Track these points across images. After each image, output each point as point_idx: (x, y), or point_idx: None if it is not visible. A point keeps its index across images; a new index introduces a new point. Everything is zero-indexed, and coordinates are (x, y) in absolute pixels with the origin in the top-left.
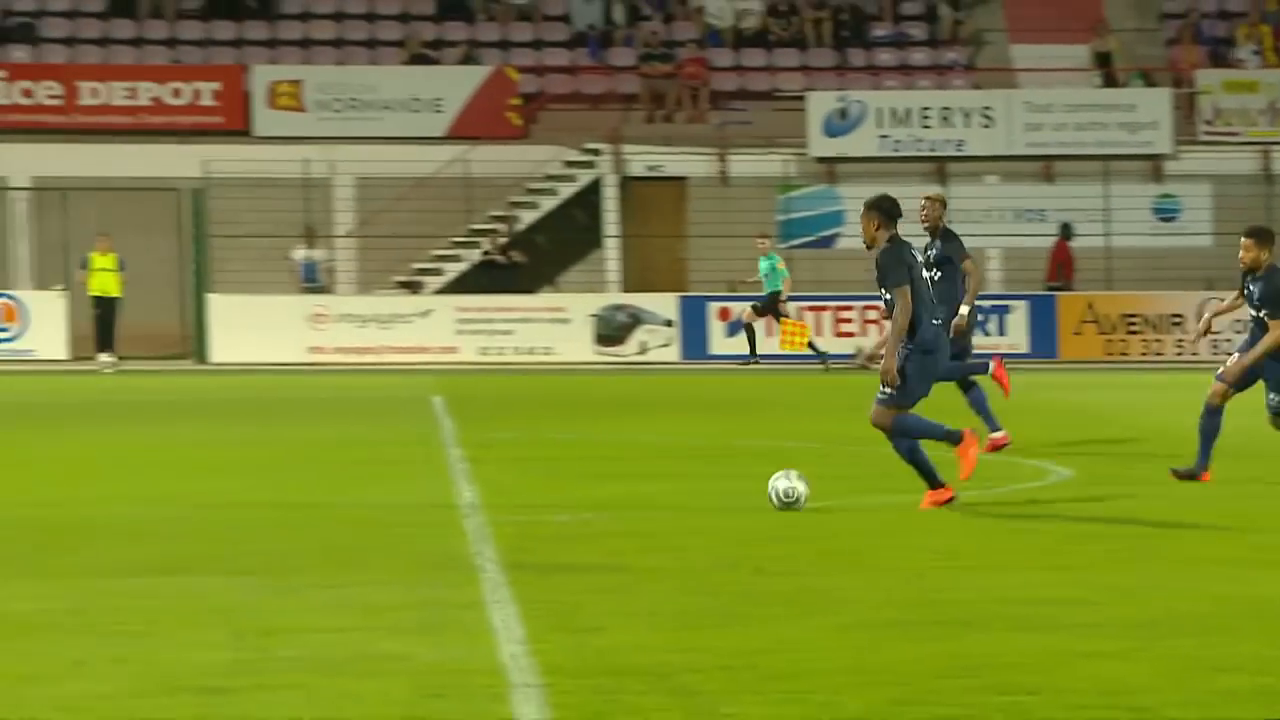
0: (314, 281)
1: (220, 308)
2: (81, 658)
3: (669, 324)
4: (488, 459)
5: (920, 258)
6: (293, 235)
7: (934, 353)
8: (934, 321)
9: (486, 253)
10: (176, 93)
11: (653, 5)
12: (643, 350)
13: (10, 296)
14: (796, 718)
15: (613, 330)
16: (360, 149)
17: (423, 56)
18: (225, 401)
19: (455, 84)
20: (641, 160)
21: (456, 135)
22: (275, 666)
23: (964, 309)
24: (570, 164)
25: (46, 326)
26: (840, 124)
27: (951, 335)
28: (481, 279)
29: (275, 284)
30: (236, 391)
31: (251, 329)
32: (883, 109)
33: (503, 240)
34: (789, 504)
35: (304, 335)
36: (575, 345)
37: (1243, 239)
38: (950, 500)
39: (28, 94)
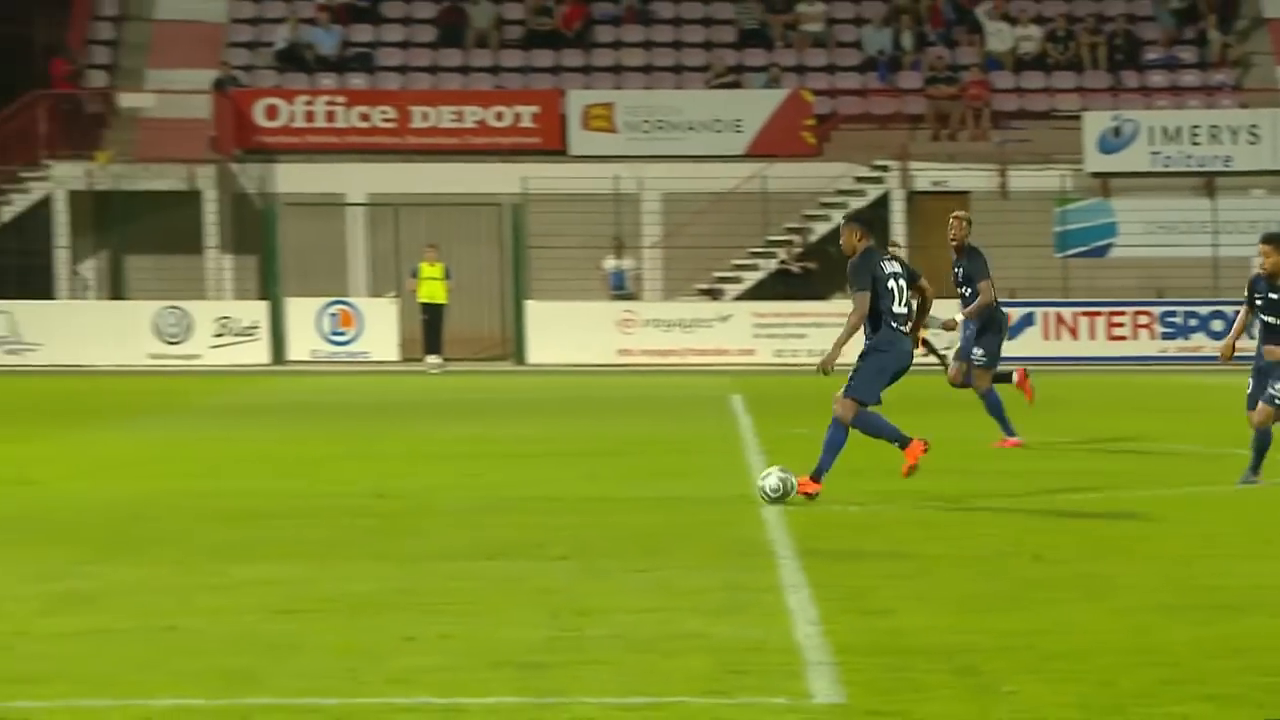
0: (622, 289)
1: (537, 313)
2: (412, 634)
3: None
4: (783, 453)
5: (951, 273)
6: (603, 246)
7: (888, 352)
8: (893, 325)
9: (782, 262)
10: (499, 116)
11: (938, 32)
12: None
13: (348, 303)
14: (1073, 695)
15: None
16: (666, 166)
17: (725, 81)
18: (541, 400)
19: (754, 106)
20: (927, 175)
21: (755, 153)
22: (588, 644)
23: (958, 316)
24: (860, 179)
25: (380, 331)
26: (1114, 141)
27: (944, 328)
28: (777, 286)
29: (587, 291)
30: (551, 390)
31: (565, 333)
32: (1154, 127)
33: (797, 250)
34: (777, 499)
35: (613, 338)
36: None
37: (1261, 245)
38: (925, 450)
39: (365, 118)
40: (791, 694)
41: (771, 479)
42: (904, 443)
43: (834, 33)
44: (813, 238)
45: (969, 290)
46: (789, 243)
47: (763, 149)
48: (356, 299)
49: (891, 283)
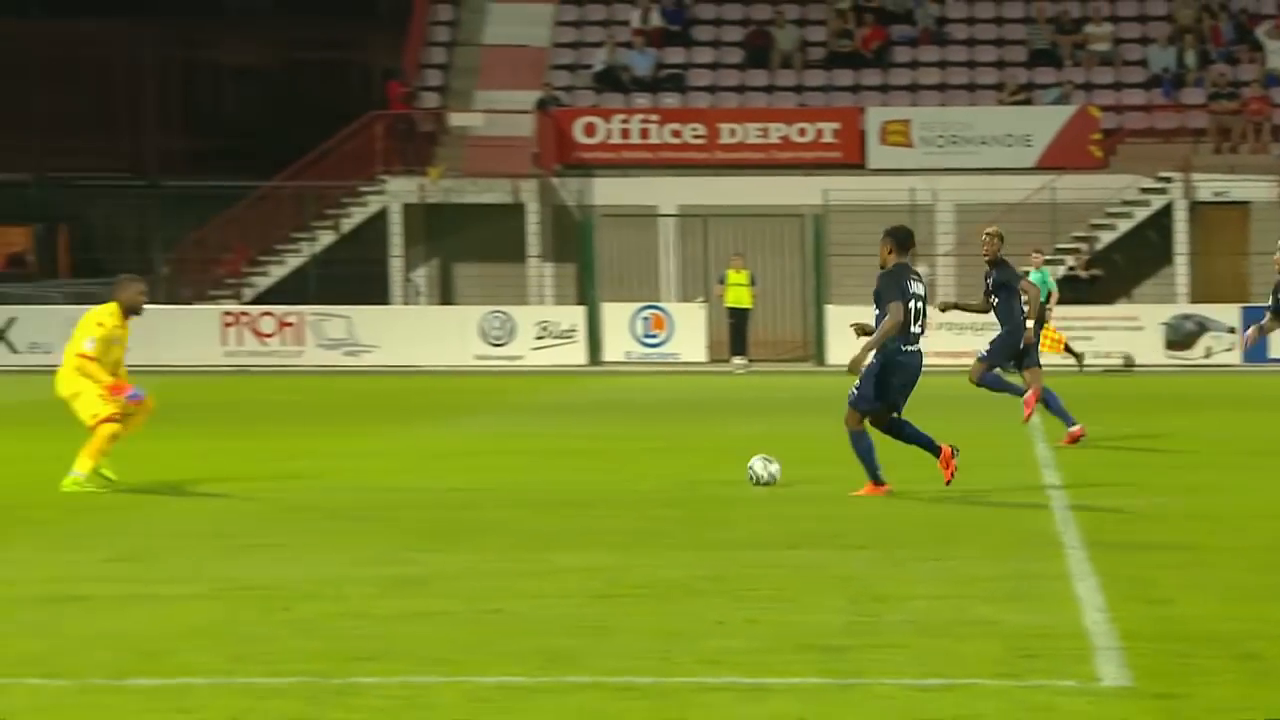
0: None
1: (837, 317)
2: (721, 618)
3: (1231, 330)
4: (1071, 449)
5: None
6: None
7: (901, 367)
8: (905, 347)
9: (1071, 269)
10: (802, 132)
11: (1220, 50)
12: (1208, 354)
13: (659, 308)
14: None
15: (1181, 336)
16: (959, 179)
17: (1017, 98)
18: (840, 398)
19: (1044, 121)
20: (1209, 187)
21: (1044, 166)
22: (885, 629)
23: (1029, 324)
24: (1145, 191)
25: (689, 333)
26: None
27: (1023, 345)
28: (1065, 292)
29: None
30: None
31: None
32: None
33: (1084, 258)
34: (766, 483)
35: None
36: (1148, 350)
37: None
38: (885, 492)
39: (676, 135)
40: (1080, 677)
41: (757, 465)
42: (876, 480)
43: (1120, 51)
44: (1099, 246)
45: (996, 300)
46: (1077, 251)
47: (1051, 162)
48: (667, 304)
49: (913, 302)
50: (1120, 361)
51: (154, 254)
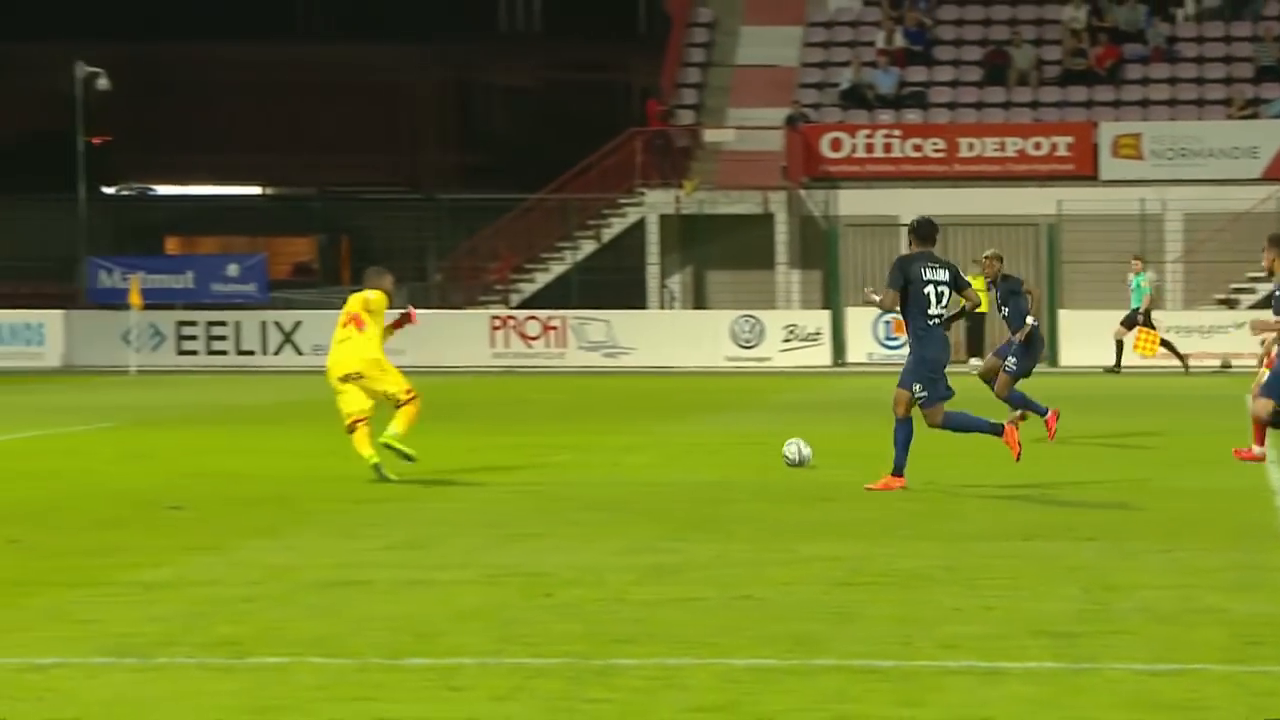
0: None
1: (1069, 322)
2: (958, 605)
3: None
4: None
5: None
6: (1127, 262)
7: (931, 349)
8: (931, 324)
9: None
10: (1037, 146)
11: None
12: None
13: (895, 313)
14: None
15: None
16: (1187, 190)
17: (1244, 112)
18: (1071, 396)
19: (1271, 134)
20: None
21: (1270, 177)
22: (1115, 616)
23: (1030, 320)
24: None
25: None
26: None
27: (1020, 341)
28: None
29: (1115, 302)
30: (1080, 389)
31: (1095, 338)
32: None
33: None
34: (798, 465)
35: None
36: None
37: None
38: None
39: (918, 149)
40: None
41: (790, 448)
42: (899, 472)
43: None
44: None
45: (1007, 310)
46: None
47: (1277, 173)
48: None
49: (929, 288)
50: (1218, 364)
51: (428, 262)
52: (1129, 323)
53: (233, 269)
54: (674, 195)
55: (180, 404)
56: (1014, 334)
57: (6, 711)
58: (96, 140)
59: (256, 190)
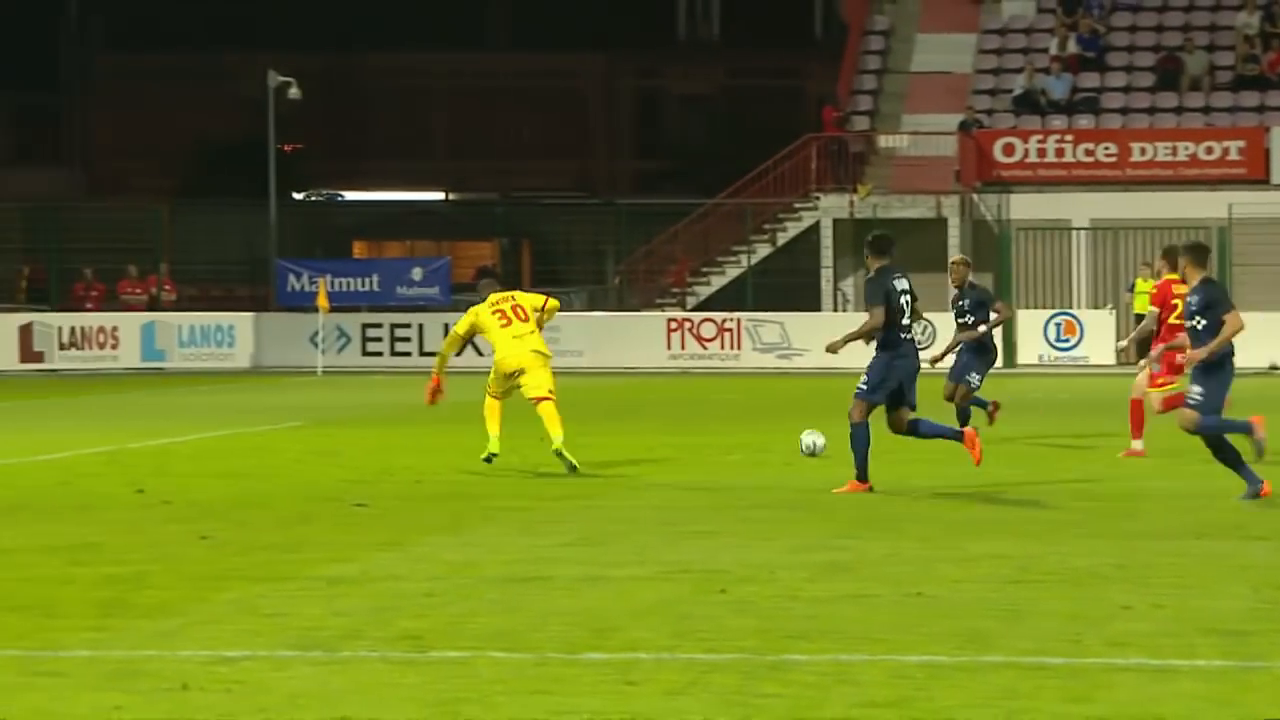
0: None
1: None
2: (1127, 603)
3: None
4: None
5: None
6: None
7: (901, 358)
8: (903, 335)
9: None
10: (1209, 150)
11: None
12: None
13: (1071, 314)
14: None
15: None
16: None
17: None
18: (1250, 400)
19: None
20: None
21: None
22: None
23: (982, 328)
24: None
25: (1098, 338)
26: None
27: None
28: None
29: None
30: (1247, 391)
31: (1266, 339)
32: None
33: None
34: (811, 455)
35: None
36: None
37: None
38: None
39: (1089, 153)
40: None
41: (806, 439)
42: (861, 477)
43: None
44: None
45: (973, 319)
46: None
47: None
48: (1078, 310)
49: (901, 299)
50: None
51: (607, 266)
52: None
53: (417, 273)
54: (848, 199)
55: (364, 404)
56: (983, 348)
57: (197, 702)
58: (287, 148)
59: (440, 196)
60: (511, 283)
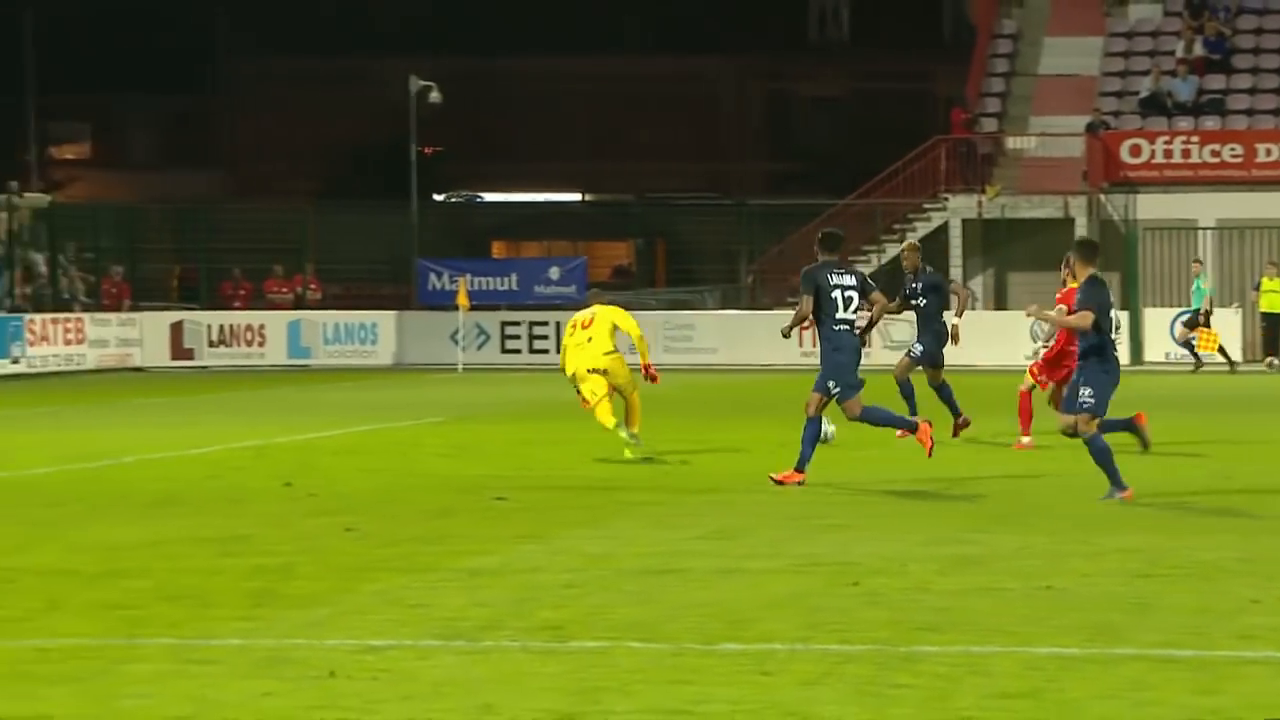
0: None
1: None
2: (1255, 596)
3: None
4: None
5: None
6: None
7: (835, 350)
8: (836, 328)
9: None
10: None
11: None
12: None
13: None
14: None
15: None
16: None
17: None
18: None
19: None
20: None
21: None
22: None
23: (955, 320)
24: None
25: (1225, 335)
26: None
27: (951, 343)
28: None
29: None
30: None
31: None
32: None
33: None
34: (825, 441)
35: None
36: None
37: None
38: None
39: (1215, 154)
40: None
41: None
42: (802, 467)
43: None
44: None
45: (924, 301)
46: None
47: None
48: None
49: (837, 293)
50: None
51: (739, 265)
52: (1191, 324)
53: (554, 272)
54: (976, 200)
55: (504, 400)
56: (933, 330)
57: (344, 689)
58: (427, 150)
59: (577, 197)
60: (647, 280)
